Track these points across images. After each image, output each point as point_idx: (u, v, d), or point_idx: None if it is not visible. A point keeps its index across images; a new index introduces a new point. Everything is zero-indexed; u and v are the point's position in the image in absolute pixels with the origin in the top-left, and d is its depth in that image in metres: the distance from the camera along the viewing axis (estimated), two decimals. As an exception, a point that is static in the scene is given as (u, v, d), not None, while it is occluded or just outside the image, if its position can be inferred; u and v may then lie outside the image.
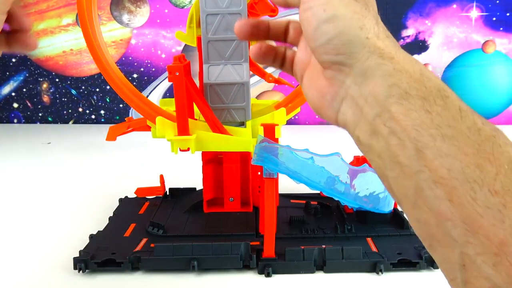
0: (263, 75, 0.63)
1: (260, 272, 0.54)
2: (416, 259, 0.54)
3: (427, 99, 0.26)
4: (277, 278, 0.54)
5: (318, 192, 0.69)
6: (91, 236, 0.60)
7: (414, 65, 0.27)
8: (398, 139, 0.26)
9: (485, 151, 0.24)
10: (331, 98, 0.31)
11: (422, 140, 0.25)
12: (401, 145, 0.26)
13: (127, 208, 0.70)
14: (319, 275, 0.54)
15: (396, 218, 0.63)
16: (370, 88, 0.28)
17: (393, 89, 0.27)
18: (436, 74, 1.34)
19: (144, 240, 0.59)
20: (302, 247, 0.54)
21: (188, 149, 0.54)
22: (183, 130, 0.53)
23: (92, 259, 0.54)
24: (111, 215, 0.68)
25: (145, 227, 0.62)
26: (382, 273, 0.53)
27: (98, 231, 0.61)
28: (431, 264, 0.54)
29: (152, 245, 0.56)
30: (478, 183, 0.24)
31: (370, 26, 0.29)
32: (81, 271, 0.53)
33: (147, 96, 1.40)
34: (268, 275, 0.53)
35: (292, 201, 0.70)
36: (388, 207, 0.48)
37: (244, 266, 0.54)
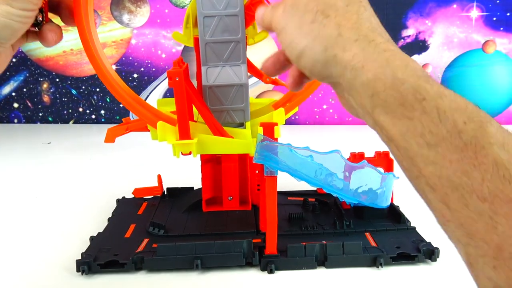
0: (260, 76, 0.63)
1: (263, 269, 0.54)
2: (414, 252, 0.55)
3: (405, 105, 0.26)
4: (279, 274, 0.54)
5: (315, 188, 0.70)
6: (92, 238, 0.60)
7: (385, 69, 0.27)
8: (395, 146, 0.28)
9: (469, 156, 0.24)
10: (348, 108, 0.32)
11: (411, 149, 0.26)
12: (398, 152, 0.27)
13: (125, 209, 0.70)
14: (321, 271, 0.54)
15: (393, 213, 0.63)
16: (359, 101, 0.29)
17: (375, 99, 0.28)
18: (437, 75, 1.34)
19: (145, 241, 0.59)
20: (304, 243, 0.55)
21: (190, 153, 0.54)
22: (184, 134, 0.53)
23: (95, 261, 0.54)
24: (110, 215, 0.68)
25: (146, 228, 0.62)
26: (382, 267, 0.54)
27: (99, 233, 0.61)
28: (429, 257, 0.55)
29: (154, 245, 0.56)
30: (466, 190, 0.24)
31: (333, 41, 0.29)
32: (84, 273, 0.53)
33: (148, 96, 1.40)
34: (271, 271, 0.54)
35: (289, 198, 0.70)
36: (385, 202, 0.49)
37: (247, 263, 0.55)
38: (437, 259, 0.55)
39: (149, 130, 0.58)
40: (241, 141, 0.54)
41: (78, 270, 0.54)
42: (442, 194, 0.25)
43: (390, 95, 0.27)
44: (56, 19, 0.47)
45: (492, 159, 0.23)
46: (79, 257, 0.54)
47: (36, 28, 0.43)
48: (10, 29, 0.38)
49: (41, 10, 0.42)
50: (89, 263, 0.53)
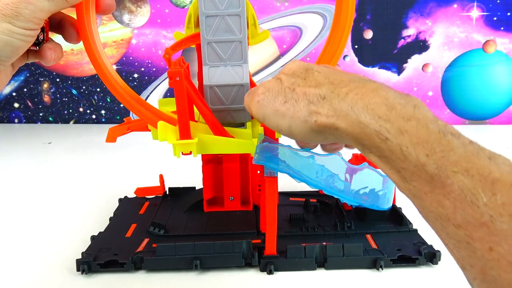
0: None
1: (262, 270, 0.54)
2: (415, 255, 0.54)
3: (376, 147, 0.28)
4: (279, 275, 0.54)
5: (317, 190, 0.70)
6: (93, 238, 0.60)
7: (351, 116, 0.30)
8: None
9: (438, 187, 0.25)
10: None
11: (397, 184, 0.28)
12: None
13: (127, 208, 0.70)
14: (321, 272, 0.54)
15: (394, 215, 0.63)
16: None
17: (357, 144, 0.30)
18: (437, 75, 1.34)
19: (145, 241, 0.59)
20: (303, 245, 0.55)
21: (190, 153, 0.54)
22: (185, 134, 0.53)
23: (94, 260, 0.54)
24: (111, 215, 0.68)
25: (146, 228, 0.62)
26: (382, 269, 0.54)
27: (99, 232, 0.61)
28: (430, 260, 0.55)
29: (154, 245, 0.56)
30: (443, 219, 0.25)
31: (308, 111, 0.32)
32: (84, 273, 0.53)
33: (148, 95, 1.40)
34: (270, 272, 0.54)
35: (291, 199, 0.70)
36: (387, 204, 0.48)
37: (246, 264, 0.55)
38: (439, 262, 0.54)
39: (150, 130, 0.58)
40: (242, 141, 0.54)
41: (78, 270, 0.54)
42: (431, 223, 0.26)
43: (363, 139, 0.29)
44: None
45: (457, 187, 0.24)
46: (80, 257, 0.55)
47: (37, 47, 0.43)
48: (11, 47, 0.38)
49: (42, 29, 0.42)
50: (89, 263, 0.54)
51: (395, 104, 0.28)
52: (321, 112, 0.31)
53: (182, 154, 0.54)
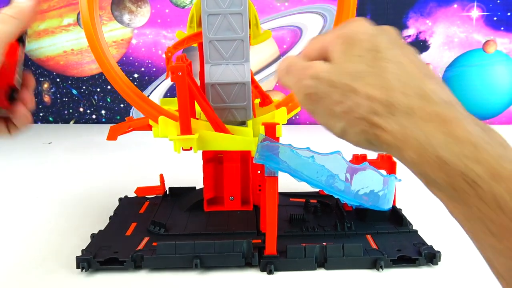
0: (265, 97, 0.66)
1: (262, 270, 0.54)
2: (415, 255, 0.54)
3: (456, 189, 0.24)
4: (279, 275, 0.54)
5: (317, 190, 0.70)
6: (93, 236, 0.60)
7: (427, 148, 0.25)
8: (462, 226, 0.27)
9: (481, 212, 0.23)
10: None
11: (477, 234, 0.24)
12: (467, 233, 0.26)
13: (127, 208, 0.70)
14: (320, 272, 0.54)
15: (395, 216, 0.63)
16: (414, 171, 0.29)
17: (425, 177, 0.26)
18: (437, 74, 1.34)
19: (146, 239, 0.59)
20: (304, 245, 0.54)
21: (191, 149, 0.54)
22: (185, 129, 0.53)
23: (94, 258, 0.54)
24: (111, 214, 0.68)
25: (146, 226, 0.62)
26: (382, 270, 0.53)
27: (100, 230, 0.61)
28: (430, 260, 0.54)
29: (154, 243, 0.56)
30: (495, 247, 0.22)
31: (369, 123, 0.27)
32: (83, 270, 0.53)
33: (148, 95, 1.40)
34: (270, 272, 0.54)
35: (291, 199, 0.70)
36: (387, 205, 0.48)
37: (246, 263, 0.55)
38: (439, 262, 0.54)
39: (151, 129, 0.58)
40: (242, 138, 0.54)
41: (78, 267, 0.54)
42: (476, 237, 0.23)
43: (439, 177, 0.24)
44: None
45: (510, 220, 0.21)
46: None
47: (11, 103, 0.40)
48: None
49: (13, 90, 0.39)
50: (88, 260, 0.54)
51: (479, 140, 0.24)
52: (386, 129, 0.26)
53: (183, 149, 0.54)
